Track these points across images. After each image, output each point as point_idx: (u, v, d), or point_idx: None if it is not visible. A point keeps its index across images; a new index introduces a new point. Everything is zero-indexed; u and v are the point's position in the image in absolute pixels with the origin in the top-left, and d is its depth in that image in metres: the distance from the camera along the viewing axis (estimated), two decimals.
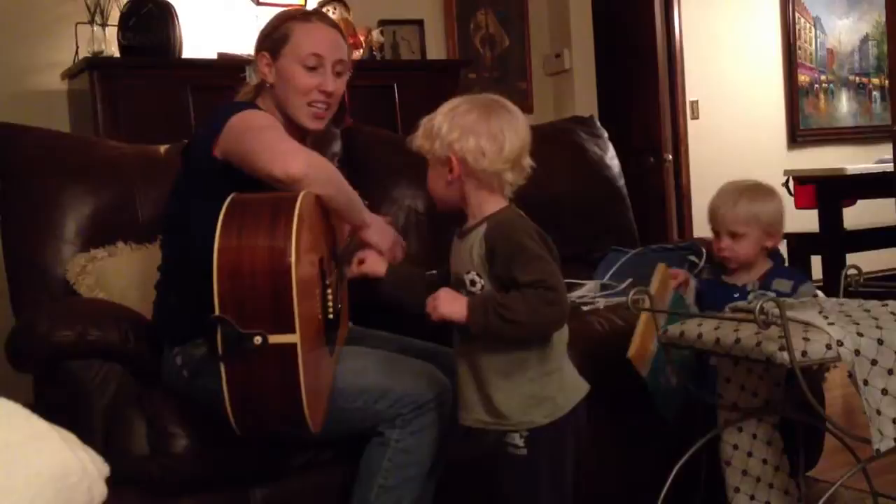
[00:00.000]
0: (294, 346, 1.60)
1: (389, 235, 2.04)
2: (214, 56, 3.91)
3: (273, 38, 2.04)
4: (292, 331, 1.60)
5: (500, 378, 1.72)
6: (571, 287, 2.56)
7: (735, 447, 2.11)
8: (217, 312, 1.60)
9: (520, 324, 1.64)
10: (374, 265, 1.94)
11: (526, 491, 1.76)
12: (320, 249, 1.85)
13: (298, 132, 2.04)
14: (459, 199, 1.77)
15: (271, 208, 1.67)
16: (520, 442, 1.74)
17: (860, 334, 1.71)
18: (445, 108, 1.76)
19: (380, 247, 2.00)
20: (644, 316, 2.12)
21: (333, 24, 2.11)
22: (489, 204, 1.75)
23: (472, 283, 1.73)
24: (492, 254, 1.69)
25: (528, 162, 1.75)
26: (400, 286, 1.94)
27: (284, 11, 2.13)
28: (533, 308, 1.63)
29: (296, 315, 1.60)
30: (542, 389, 1.73)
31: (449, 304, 1.70)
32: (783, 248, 3.56)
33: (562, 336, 1.78)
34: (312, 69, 2.00)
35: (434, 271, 1.94)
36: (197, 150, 1.98)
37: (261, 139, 1.85)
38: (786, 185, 4.64)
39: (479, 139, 1.70)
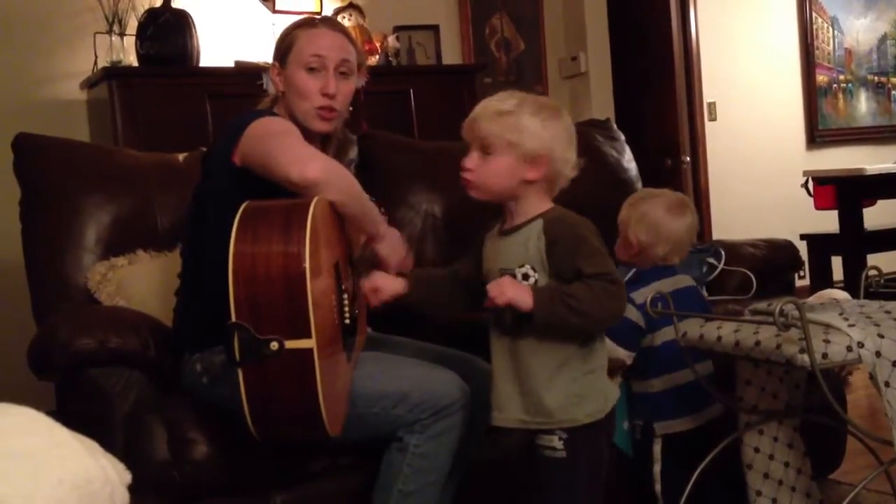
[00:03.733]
0: (310, 350, 1.60)
1: (401, 250, 2.05)
2: (231, 64, 3.93)
3: (281, 48, 2.08)
4: (308, 336, 1.60)
5: (545, 375, 1.73)
6: None
7: (756, 450, 2.10)
8: (233, 319, 1.61)
9: (585, 314, 1.66)
10: (393, 287, 1.91)
11: (565, 494, 1.76)
12: (335, 255, 1.85)
13: (315, 140, 2.06)
14: (516, 195, 1.78)
15: (285, 214, 1.68)
16: (558, 444, 1.74)
17: (881, 336, 1.70)
18: (527, 106, 1.75)
19: (389, 260, 2.01)
20: None
21: (340, 28, 2.14)
22: (542, 204, 1.78)
23: (525, 276, 1.73)
24: (552, 246, 1.71)
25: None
26: (427, 296, 1.94)
27: (293, 22, 2.16)
28: (598, 299, 1.66)
29: (311, 320, 1.60)
30: (585, 388, 1.75)
31: (515, 289, 1.69)
32: (803, 249, 3.54)
33: (603, 338, 1.81)
34: (314, 70, 2.02)
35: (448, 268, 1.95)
36: (216, 158, 2.00)
37: (279, 144, 1.87)
38: (805, 185, 4.62)
39: (566, 148, 1.76)
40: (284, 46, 2.07)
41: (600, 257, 1.70)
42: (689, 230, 2.23)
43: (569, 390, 1.73)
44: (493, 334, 1.81)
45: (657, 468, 2.16)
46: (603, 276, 1.67)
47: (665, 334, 2.12)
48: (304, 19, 2.18)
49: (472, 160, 1.77)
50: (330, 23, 2.15)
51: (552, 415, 1.73)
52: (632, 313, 2.11)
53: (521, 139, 1.73)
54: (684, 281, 2.25)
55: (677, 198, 2.29)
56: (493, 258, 1.81)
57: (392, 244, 2.04)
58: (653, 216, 2.20)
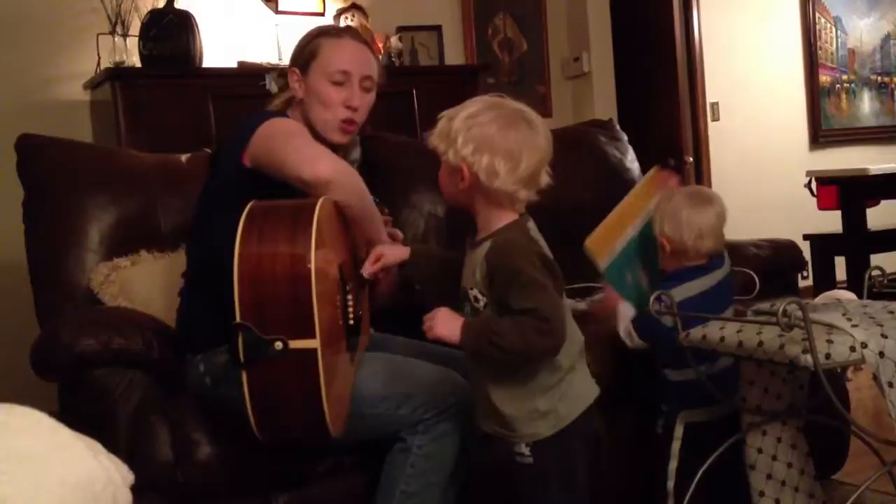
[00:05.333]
0: (314, 351, 1.61)
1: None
2: (235, 65, 3.94)
3: (303, 55, 2.07)
4: (312, 336, 1.61)
5: (502, 392, 1.74)
6: (591, 290, 2.55)
7: (759, 451, 2.09)
8: (238, 319, 1.61)
9: (510, 352, 1.64)
10: (397, 253, 1.91)
11: (536, 498, 1.76)
12: (340, 256, 1.86)
13: (327, 145, 2.06)
14: (468, 205, 1.75)
15: (291, 215, 1.69)
16: (525, 451, 1.75)
17: (885, 336, 1.70)
18: (466, 111, 1.69)
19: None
20: (617, 212, 2.24)
21: (363, 40, 2.13)
22: (498, 218, 1.72)
23: (476, 299, 1.72)
24: (492, 276, 1.67)
25: (544, 179, 1.72)
26: (426, 271, 1.94)
27: (316, 28, 2.16)
28: (524, 337, 1.62)
29: (316, 320, 1.61)
30: (544, 404, 1.73)
31: (444, 326, 1.70)
32: (806, 249, 3.54)
33: (570, 347, 1.74)
34: (339, 84, 2.02)
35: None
36: (226, 158, 2.01)
37: (290, 143, 1.88)
38: (808, 185, 4.61)
39: (494, 157, 1.65)
40: (307, 54, 2.06)
41: (532, 291, 1.62)
42: (715, 219, 2.18)
43: (527, 407, 1.73)
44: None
45: (673, 465, 2.15)
46: (532, 313, 1.61)
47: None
48: (328, 28, 2.19)
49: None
50: (353, 34, 2.15)
51: (514, 429, 1.74)
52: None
53: (446, 148, 1.69)
54: (718, 276, 2.21)
55: (699, 189, 2.29)
56: (463, 274, 1.78)
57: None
58: (672, 208, 2.19)
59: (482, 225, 1.75)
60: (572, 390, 1.77)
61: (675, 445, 2.16)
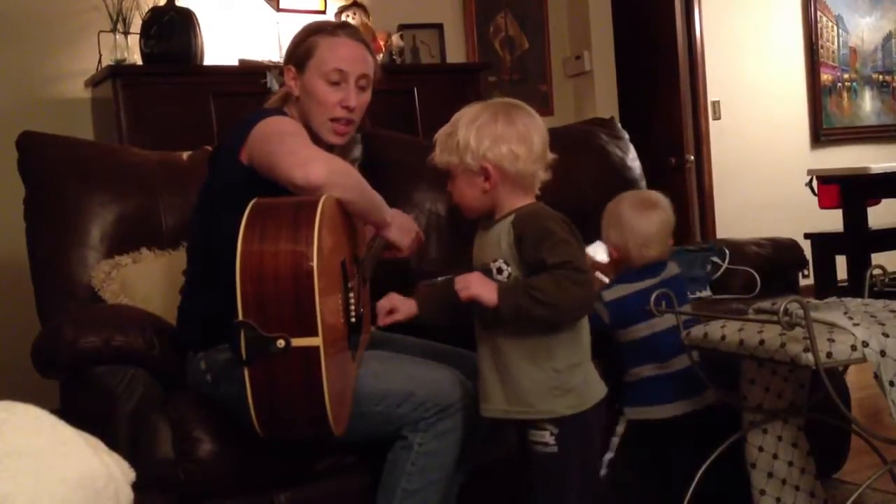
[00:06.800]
0: (317, 348, 1.61)
1: (409, 230, 2.08)
2: (236, 63, 3.94)
3: (299, 52, 2.04)
4: (315, 334, 1.61)
5: (525, 362, 1.75)
6: None
7: (760, 449, 2.09)
8: (240, 317, 1.61)
9: (549, 304, 1.67)
10: (407, 309, 1.98)
11: (556, 489, 1.76)
12: (342, 253, 1.85)
13: (323, 145, 2.05)
14: (492, 205, 1.81)
15: (293, 212, 1.68)
16: (549, 439, 1.76)
17: (885, 335, 1.70)
18: (464, 120, 1.78)
19: (401, 244, 2.05)
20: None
21: (360, 38, 2.09)
22: (518, 200, 1.80)
23: (500, 270, 1.76)
24: (520, 240, 1.74)
25: (549, 155, 1.81)
26: (437, 314, 1.98)
27: (312, 24, 2.11)
28: (562, 288, 1.67)
29: (318, 319, 1.60)
30: (567, 381, 1.76)
31: (480, 286, 1.74)
32: (807, 248, 3.54)
33: (586, 326, 1.82)
34: (335, 83, 2.01)
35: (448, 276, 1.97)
36: (224, 156, 2.00)
37: (283, 144, 1.86)
38: (809, 184, 4.61)
39: (510, 144, 1.75)
40: (302, 52, 2.03)
41: (565, 246, 1.70)
42: (660, 226, 2.17)
43: (551, 382, 1.75)
44: (476, 326, 1.84)
45: (608, 456, 2.13)
46: (566, 265, 1.68)
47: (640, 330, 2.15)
48: (324, 24, 2.13)
49: (448, 185, 1.84)
50: (350, 31, 2.10)
51: (531, 404, 1.76)
52: (599, 309, 2.13)
53: (461, 157, 1.77)
54: (650, 282, 2.18)
55: (645, 195, 2.28)
56: (476, 253, 1.84)
57: (400, 227, 2.05)
58: (617, 215, 2.19)
59: (500, 208, 1.81)
60: (592, 376, 1.82)
61: (615, 441, 2.16)
